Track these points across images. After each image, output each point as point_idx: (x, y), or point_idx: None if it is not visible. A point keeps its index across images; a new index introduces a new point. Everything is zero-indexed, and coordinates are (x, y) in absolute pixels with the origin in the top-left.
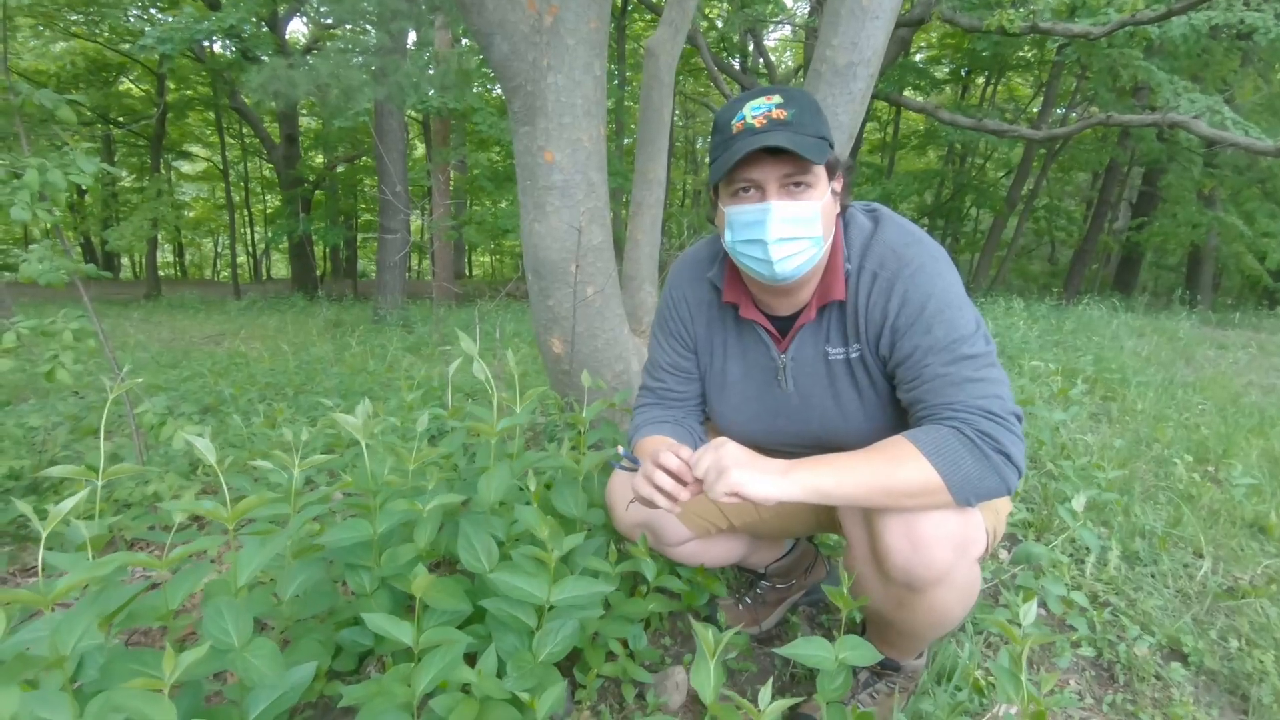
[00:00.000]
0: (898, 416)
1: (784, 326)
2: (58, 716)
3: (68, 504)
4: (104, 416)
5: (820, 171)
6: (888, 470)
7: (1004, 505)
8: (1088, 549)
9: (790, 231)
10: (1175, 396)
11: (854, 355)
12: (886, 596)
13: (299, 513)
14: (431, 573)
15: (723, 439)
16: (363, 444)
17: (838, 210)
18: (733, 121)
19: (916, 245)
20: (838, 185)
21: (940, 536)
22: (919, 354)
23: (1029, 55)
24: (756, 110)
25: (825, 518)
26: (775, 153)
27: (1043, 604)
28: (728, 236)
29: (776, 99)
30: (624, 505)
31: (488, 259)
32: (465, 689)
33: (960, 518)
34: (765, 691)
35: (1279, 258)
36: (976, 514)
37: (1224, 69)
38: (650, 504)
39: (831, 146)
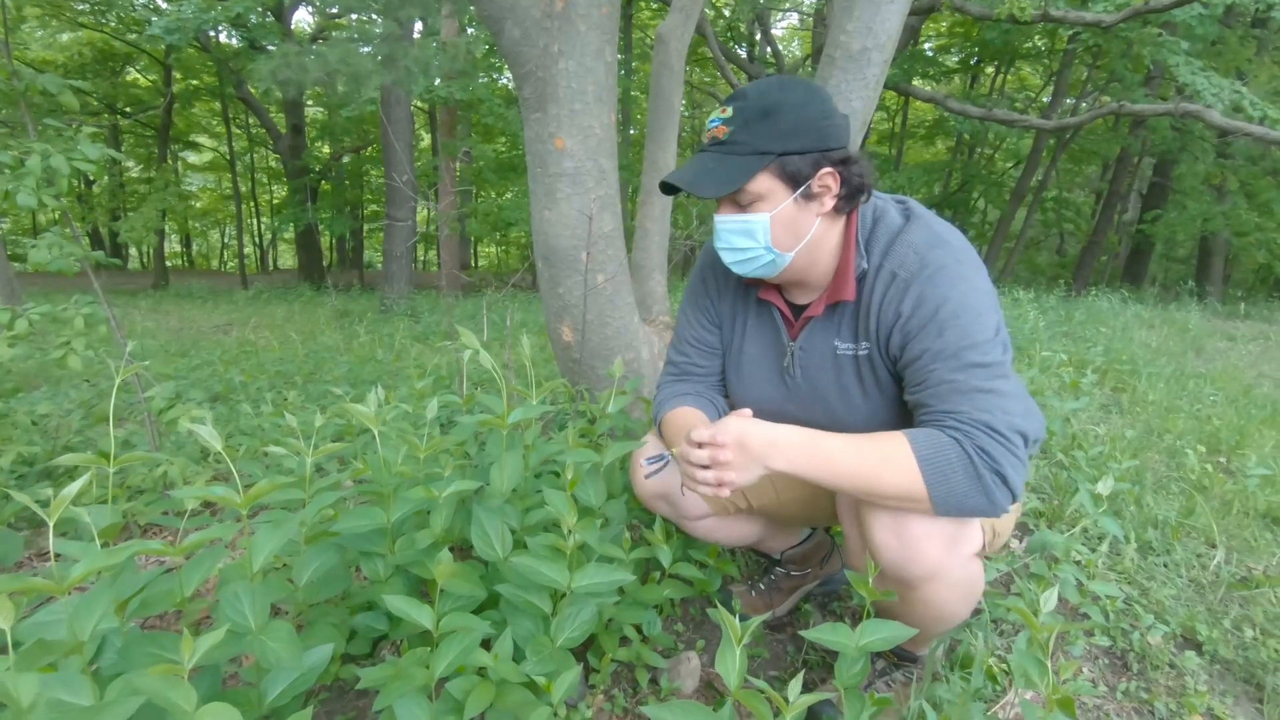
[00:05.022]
0: (903, 416)
1: (800, 313)
2: (78, 699)
3: (73, 488)
4: (113, 401)
5: (766, 183)
6: (875, 468)
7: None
8: (1099, 539)
9: (736, 242)
10: (1186, 388)
11: (862, 353)
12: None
13: (312, 499)
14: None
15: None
16: (375, 433)
17: (825, 211)
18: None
19: (942, 247)
20: (830, 184)
21: (929, 533)
22: (927, 358)
23: (1040, 44)
24: (712, 123)
25: None
26: None
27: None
28: None
29: (727, 111)
30: (645, 474)
31: (493, 250)
32: (481, 672)
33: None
34: (795, 684)
35: None
36: None
37: (1239, 58)
38: (696, 490)
39: (793, 153)
